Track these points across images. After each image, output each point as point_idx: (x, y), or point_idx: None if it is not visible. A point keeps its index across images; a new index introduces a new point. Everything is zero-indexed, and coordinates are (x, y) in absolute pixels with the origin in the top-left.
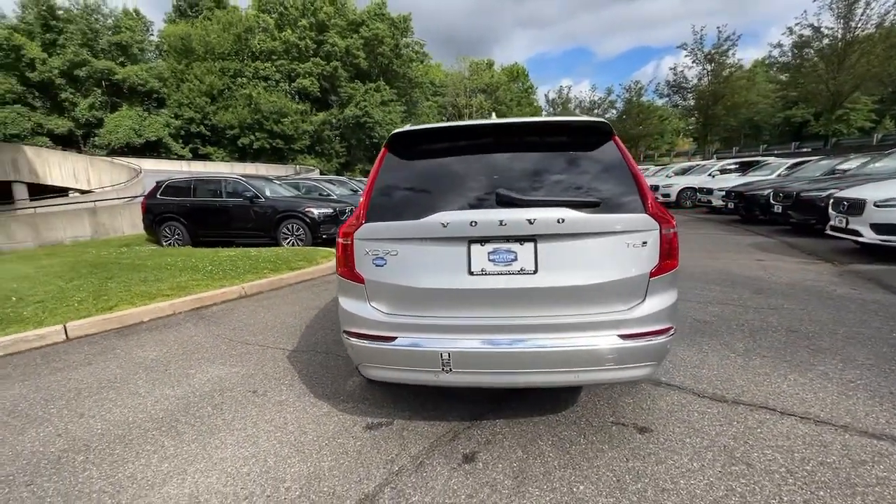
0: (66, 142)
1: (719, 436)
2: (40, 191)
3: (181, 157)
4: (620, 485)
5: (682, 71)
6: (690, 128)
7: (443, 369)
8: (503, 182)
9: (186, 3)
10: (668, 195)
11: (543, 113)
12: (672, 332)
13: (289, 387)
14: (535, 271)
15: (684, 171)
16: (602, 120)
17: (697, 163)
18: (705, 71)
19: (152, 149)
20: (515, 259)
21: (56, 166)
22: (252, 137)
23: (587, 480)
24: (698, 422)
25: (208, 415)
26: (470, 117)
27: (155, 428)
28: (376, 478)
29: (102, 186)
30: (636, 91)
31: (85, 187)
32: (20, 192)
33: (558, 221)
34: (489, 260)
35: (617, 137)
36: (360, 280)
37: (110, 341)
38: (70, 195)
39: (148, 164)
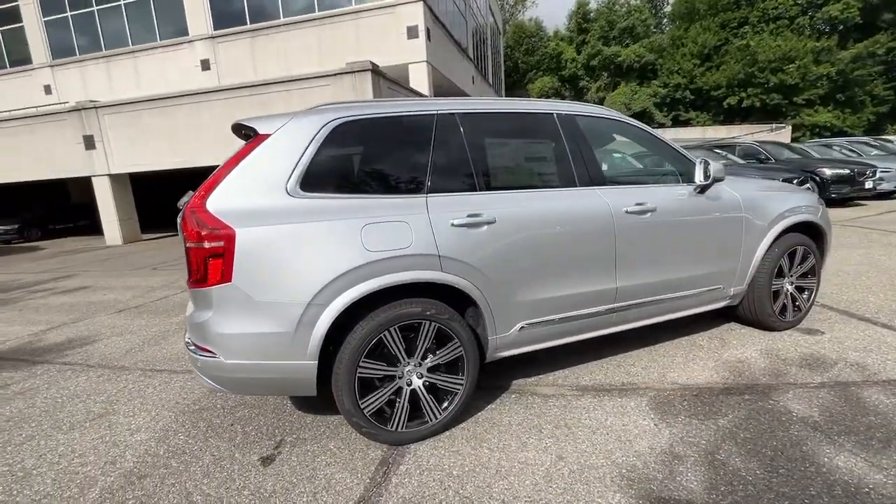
0: None
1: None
2: None
3: (661, 125)
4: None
5: None
6: None
7: None
8: None
9: None
10: None
11: None
12: (210, 356)
13: None
14: None
15: None
16: (242, 122)
17: None
18: None
19: (639, 118)
20: None
21: None
22: (742, 95)
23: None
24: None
25: None
26: None
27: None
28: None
29: None
30: None
31: None
32: None
33: None
34: None
35: (263, 136)
36: None
37: None
38: None
39: None
